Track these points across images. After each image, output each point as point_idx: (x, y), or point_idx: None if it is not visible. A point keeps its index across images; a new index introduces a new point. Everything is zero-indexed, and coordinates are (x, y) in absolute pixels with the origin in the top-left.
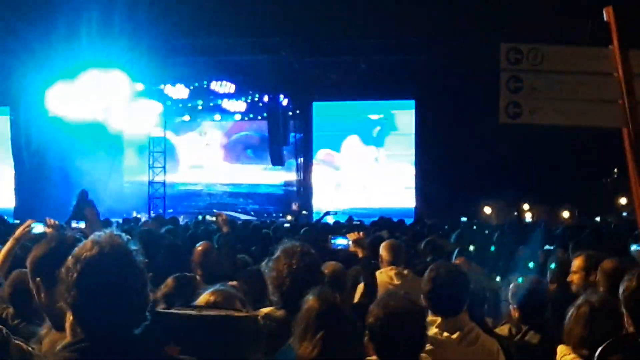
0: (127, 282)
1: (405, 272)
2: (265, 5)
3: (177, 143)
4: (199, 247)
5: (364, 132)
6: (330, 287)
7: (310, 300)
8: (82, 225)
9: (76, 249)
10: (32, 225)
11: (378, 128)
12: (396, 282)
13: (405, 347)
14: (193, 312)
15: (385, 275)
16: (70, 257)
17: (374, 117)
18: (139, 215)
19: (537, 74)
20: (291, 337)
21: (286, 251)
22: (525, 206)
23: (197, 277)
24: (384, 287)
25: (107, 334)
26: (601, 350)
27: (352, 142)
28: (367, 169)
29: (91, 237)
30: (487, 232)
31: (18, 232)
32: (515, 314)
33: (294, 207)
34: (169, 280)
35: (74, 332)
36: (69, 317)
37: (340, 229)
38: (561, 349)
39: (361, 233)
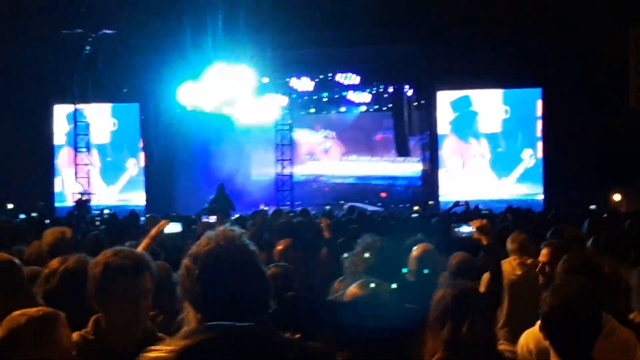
0: (246, 272)
1: (529, 261)
2: None
3: (303, 136)
4: (279, 245)
5: (487, 122)
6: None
7: (442, 290)
8: (213, 219)
9: (193, 247)
10: (166, 225)
11: (503, 115)
12: (518, 272)
13: (581, 335)
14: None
15: (508, 265)
16: (186, 258)
17: (499, 106)
18: (265, 208)
19: None
20: None
21: (366, 246)
22: None
23: None
24: (507, 277)
25: (234, 323)
26: None
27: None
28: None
29: (205, 234)
30: (618, 220)
31: (153, 231)
32: None
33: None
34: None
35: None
36: (193, 318)
37: (467, 218)
38: None
39: (484, 220)
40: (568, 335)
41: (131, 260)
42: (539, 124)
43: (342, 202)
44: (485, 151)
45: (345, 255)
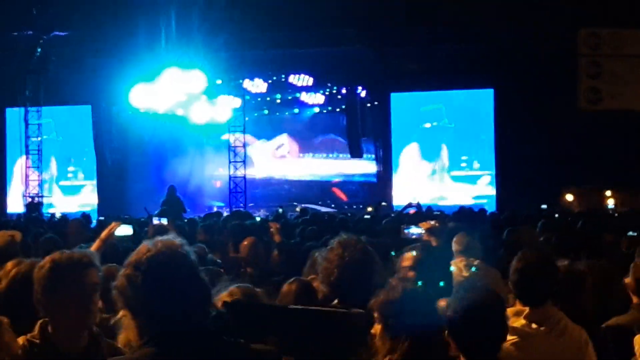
0: (188, 279)
1: (476, 262)
2: None
3: (255, 139)
4: (245, 242)
5: (441, 125)
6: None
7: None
8: (164, 222)
9: (132, 255)
10: (117, 227)
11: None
12: (465, 273)
13: (486, 338)
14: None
15: (454, 267)
16: (127, 266)
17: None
18: (219, 210)
19: (617, 58)
20: None
21: (341, 242)
22: (608, 192)
23: (248, 272)
24: (454, 278)
25: (180, 329)
26: None
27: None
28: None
29: (144, 242)
30: (569, 219)
31: (104, 233)
32: None
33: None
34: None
35: (142, 336)
36: (131, 325)
37: (418, 219)
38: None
39: (434, 222)
40: (474, 339)
41: (77, 257)
42: (492, 126)
43: (295, 203)
44: (443, 154)
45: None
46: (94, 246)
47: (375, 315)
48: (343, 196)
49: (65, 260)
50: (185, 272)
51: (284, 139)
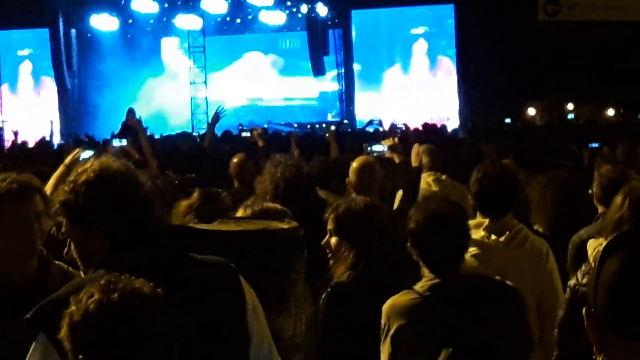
0: (131, 192)
1: (443, 177)
2: None
3: (219, 60)
4: (235, 159)
5: (404, 46)
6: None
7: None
8: (124, 142)
9: (71, 176)
10: (81, 152)
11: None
12: (434, 187)
13: (448, 249)
14: (231, 227)
15: (423, 182)
16: (69, 183)
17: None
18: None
19: None
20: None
21: (273, 161)
22: (570, 105)
23: (236, 187)
24: (422, 193)
25: (132, 246)
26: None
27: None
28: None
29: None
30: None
31: (67, 159)
32: None
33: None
34: (195, 194)
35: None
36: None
37: (381, 137)
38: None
39: (396, 139)
40: (436, 249)
41: (18, 184)
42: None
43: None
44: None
45: None
46: (58, 171)
47: (330, 227)
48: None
49: (4, 189)
50: (129, 185)
51: (243, 60)
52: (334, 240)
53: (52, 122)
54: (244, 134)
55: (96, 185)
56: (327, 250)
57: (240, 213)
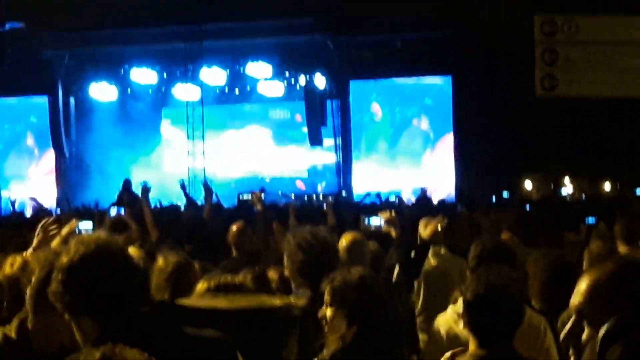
0: (123, 271)
1: (442, 251)
2: None
3: (217, 131)
4: (234, 226)
5: (402, 116)
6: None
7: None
8: (122, 212)
9: (62, 257)
10: (77, 223)
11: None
12: (433, 262)
13: (503, 323)
14: (224, 303)
15: None
16: (58, 270)
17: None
18: (179, 203)
19: (573, 45)
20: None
21: (295, 235)
22: (566, 179)
23: (234, 256)
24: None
25: (125, 324)
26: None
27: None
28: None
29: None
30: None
31: (64, 231)
32: None
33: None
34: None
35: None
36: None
37: (377, 209)
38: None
39: (393, 212)
40: (490, 323)
41: None
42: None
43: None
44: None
45: None
46: (54, 243)
47: (326, 298)
48: (302, 186)
49: None
50: (120, 265)
51: (241, 131)
52: (329, 312)
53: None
54: (244, 197)
55: (81, 274)
56: (323, 322)
57: (200, 286)
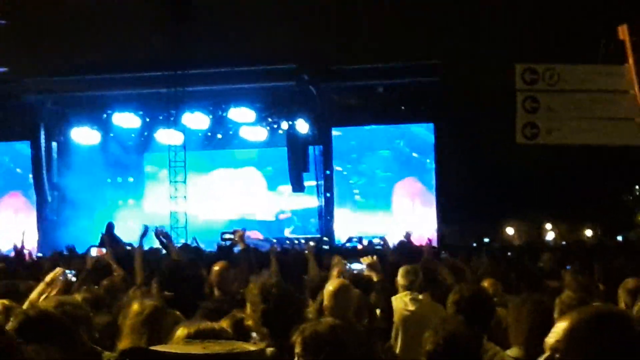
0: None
1: (421, 297)
2: (280, 31)
3: (200, 175)
4: (216, 267)
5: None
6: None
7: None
8: (103, 250)
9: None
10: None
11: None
12: (411, 307)
13: None
14: (198, 349)
15: (400, 301)
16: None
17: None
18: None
19: (553, 93)
20: None
21: (258, 284)
22: (548, 225)
23: (217, 296)
24: (399, 312)
25: None
26: None
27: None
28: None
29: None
30: (509, 253)
31: (49, 277)
32: None
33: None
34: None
35: None
36: None
37: (360, 254)
38: None
39: (374, 257)
40: None
41: None
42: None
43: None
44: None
45: None
46: (38, 289)
47: (297, 350)
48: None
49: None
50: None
51: (224, 174)
52: None
53: (23, 233)
54: (226, 236)
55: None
56: None
57: (179, 333)
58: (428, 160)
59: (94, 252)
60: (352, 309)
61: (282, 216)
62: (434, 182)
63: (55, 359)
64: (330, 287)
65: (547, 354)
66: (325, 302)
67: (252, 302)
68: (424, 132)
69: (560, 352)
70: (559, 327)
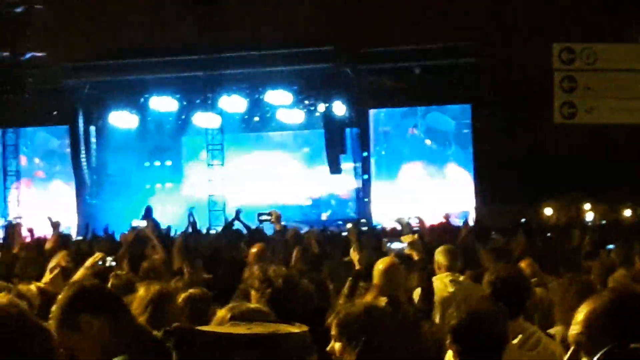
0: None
1: (461, 278)
2: (317, 13)
3: (235, 156)
4: (254, 248)
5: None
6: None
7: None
8: (144, 223)
9: None
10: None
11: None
12: (450, 289)
13: (488, 346)
14: (242, 330)
15: (440, 282)
16: None
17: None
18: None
19: (591, 73)
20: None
21: (261, 269)
22: (587, 206)
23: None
24: (439, 294)
25: None
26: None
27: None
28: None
29: None
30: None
31: (89, 262)
32: None
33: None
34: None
35: None
36: None
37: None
38: None
39: (416, 236)
40: (476, 346)
41: None
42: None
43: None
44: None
45: None
46: (79, 274)
47: (333, 332)
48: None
49: None
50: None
51: (261, 157)
52: (337, 345)
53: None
54: (263, 217)
55: None
56: (332, 356)
57: (221, 314)
58: (463, 141)
59: (135, 222)
60: (402, 287)
61: (318, 198)
62: (471, 163)
63: (105, 330)
64: (380, 265)
65: (572, 348)
66: (375, 281)
67: (257, 288)
68: (461, 113)
69: (583, 344)
70: (578, 317)
